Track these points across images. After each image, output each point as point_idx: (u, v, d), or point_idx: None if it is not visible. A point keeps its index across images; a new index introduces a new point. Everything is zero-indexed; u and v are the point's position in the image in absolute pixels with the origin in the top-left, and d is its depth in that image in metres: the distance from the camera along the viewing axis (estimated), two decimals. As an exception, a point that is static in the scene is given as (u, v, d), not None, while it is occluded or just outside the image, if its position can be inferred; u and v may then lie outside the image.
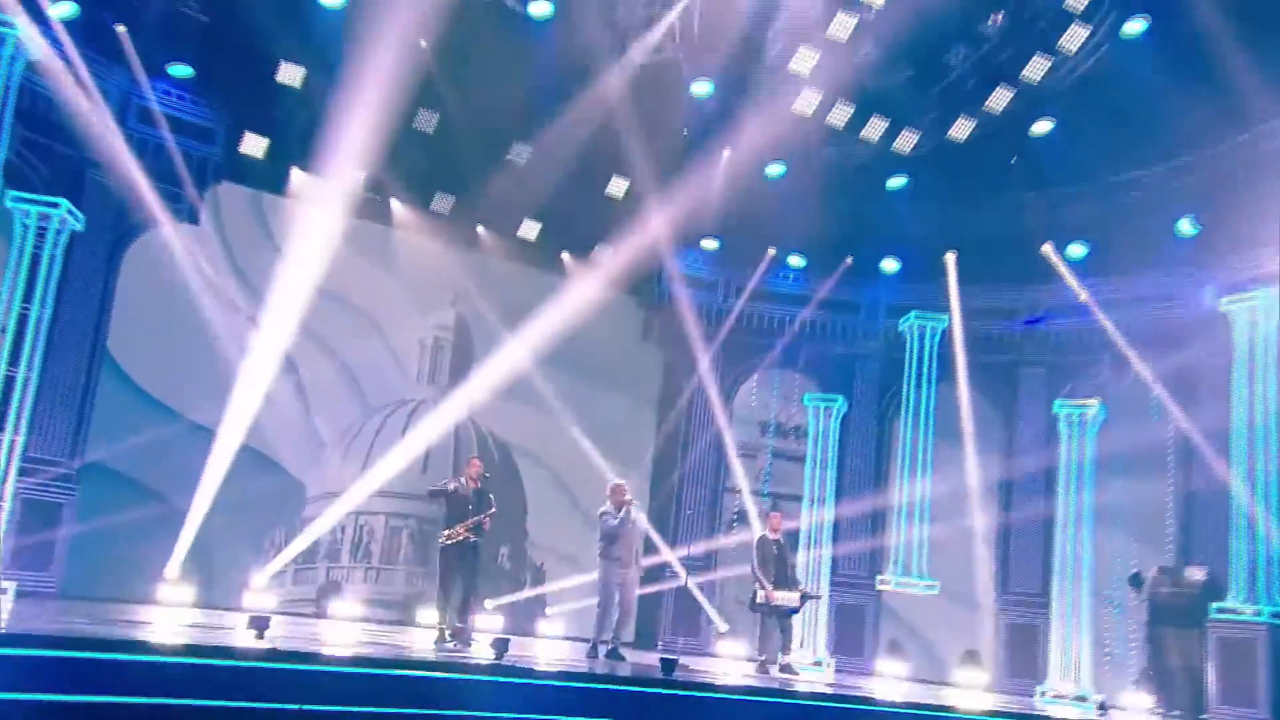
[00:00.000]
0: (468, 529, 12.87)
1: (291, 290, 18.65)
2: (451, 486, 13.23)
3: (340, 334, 19.59)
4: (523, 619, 20.54)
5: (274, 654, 9.13)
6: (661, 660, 11.35)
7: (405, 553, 19.96)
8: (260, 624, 9.73)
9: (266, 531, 19.04)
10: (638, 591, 13.69)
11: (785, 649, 14.41)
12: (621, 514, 13.22)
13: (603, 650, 13.30)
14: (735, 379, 22.04)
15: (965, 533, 20.36)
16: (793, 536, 18.91)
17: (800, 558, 19.17)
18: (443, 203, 20.13)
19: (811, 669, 18.63)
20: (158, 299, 18.01)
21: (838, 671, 19.39)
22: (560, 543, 20.51)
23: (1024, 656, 19.78)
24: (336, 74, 16.96)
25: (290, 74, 17.98)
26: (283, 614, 18.53)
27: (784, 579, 14.51)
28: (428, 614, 19.15)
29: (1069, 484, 18.65)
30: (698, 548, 20.91)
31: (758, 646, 14.75)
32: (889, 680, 19.46)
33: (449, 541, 12.87)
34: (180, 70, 17.80)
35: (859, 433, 21.23)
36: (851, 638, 20.50)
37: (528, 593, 20.68)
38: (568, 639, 19.50)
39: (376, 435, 20.01)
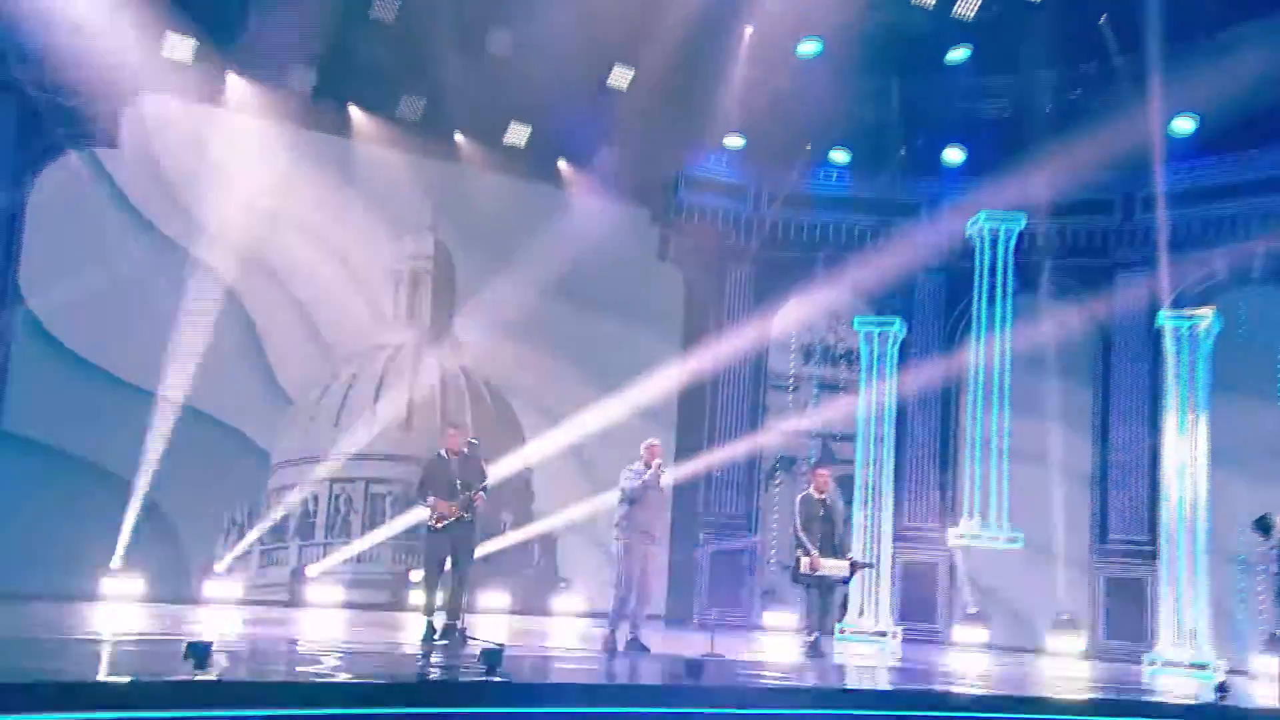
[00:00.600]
0: (462, 508, 11.27)
1: (236, 221, 15.80)
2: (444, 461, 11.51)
3: (298, 271, 16.63)
4: (535, 595, 17.82)
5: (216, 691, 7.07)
6: (687, 664, 8.93)
7: (389, 518, 17.25)
8: (200, 652, 7.24)
9: (226, 508, 16.33)
10: (659, 568, 12.21)
11: (825, 626, 12.66)
12: (648, 474, 11.24)
13: (622, 641, 11.34)
14: (772, 301, 18.90)
15: (1055, 474, 17.36)
16: (845, 485, 16.00)
17: (856, 516, 16.15)
18: (411, 107, 16.95)
19: (873, 640, 16.11)
20: (76, 239, 15.20)
21: (906, 642, 16.68)
22: (572, 505, 17.59)
23: (1128, 618, 16.81)
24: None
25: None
26: (252, 603, 16.14)
27: (831, 545, 12.62)
28: (418, 594, 16.67)
29: (1178, 412, 15.46)
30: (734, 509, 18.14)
31: (804, 621, 12.75)
32: (967, 653, 16.66)
33: (438, 526, 11.28)
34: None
35: (922, 359, 18.02)
36: (921, 602, 17.61)
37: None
38: (589, 615, 16.82)
39: (349, 389, 17.15)
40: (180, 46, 15.44)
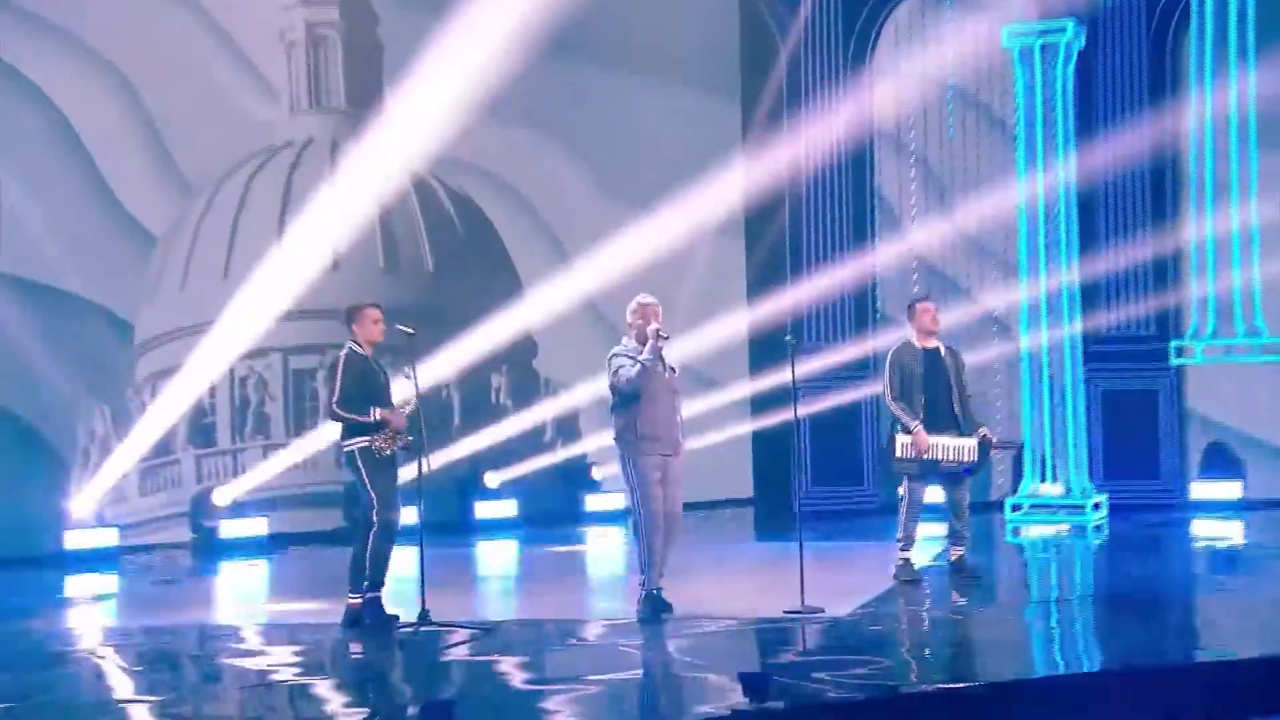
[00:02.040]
0: (396, 435, 7.70)
1: None
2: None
3: (136, 48, 11.10)
4: (553, 493, 12.53)
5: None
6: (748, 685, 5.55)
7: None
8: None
9: (80, 417, 11.12)
10: (677, 479, 7.78)
11: (957, 537, 8.90)
12: (646, 352, 7.59)
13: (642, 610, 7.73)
14: (870, 19, 12.80)
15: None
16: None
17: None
18: None
19: (1068, 516, 11.30)
20: None
21: (1116, 512, 11.58)
22: (585, 355, 11.89)
23: None
24: None
25: None
26: (137, 551, 11.11)
27: (946, 416, 8.74)
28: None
29: None
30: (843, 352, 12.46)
31: (900, 530, 8.84)
32: (1215, 520, 11.25)
33: (388, 451, 7.71)
34: None
35: (1113, 83, 11.92)
36: (1136, 450, 11.96)
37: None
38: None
39: (239, 214, 11.64)
40: None
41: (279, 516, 11.74)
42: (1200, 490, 11.91)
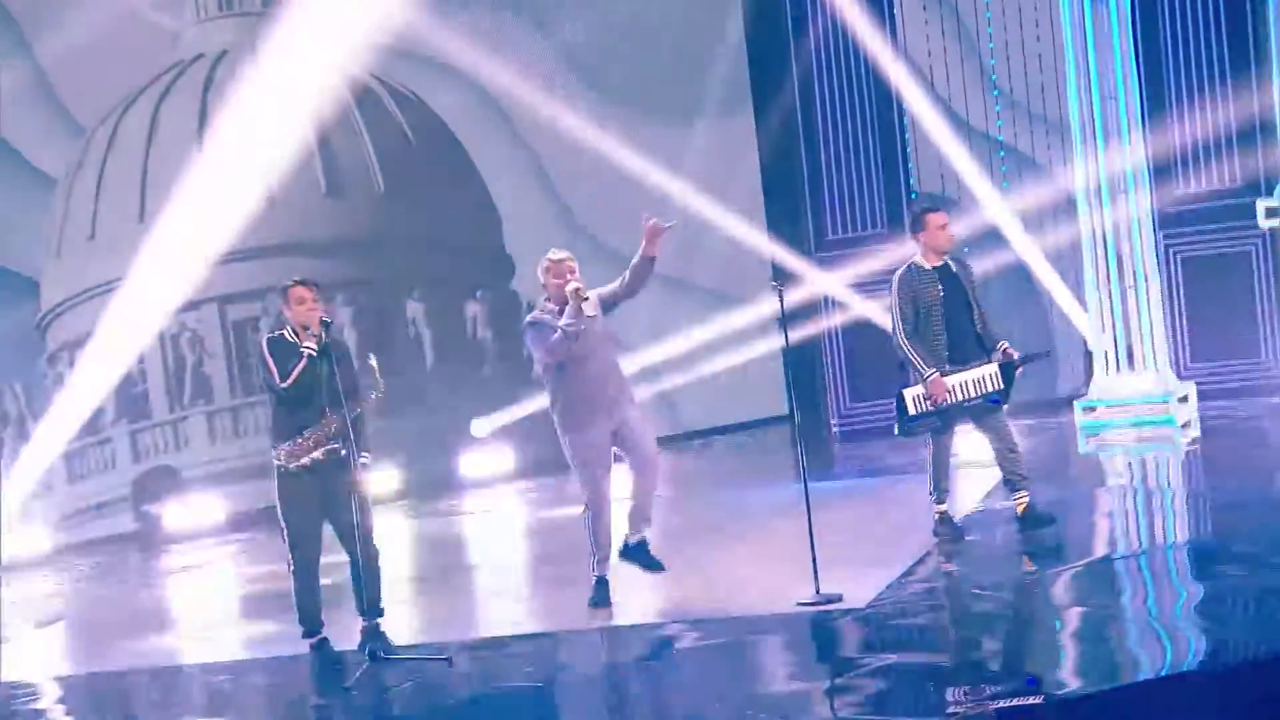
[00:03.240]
0: (326, 438, 6.42)
1: None
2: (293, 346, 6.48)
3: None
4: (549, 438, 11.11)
5: None
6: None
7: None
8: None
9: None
10: (643, 427, 7.08)
11: (1015, 481, 7.57)
12: (568, 315, 6.69)
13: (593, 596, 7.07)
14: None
15: None
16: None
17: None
18: None
19: (1149, 421, 9.87)
20: None
21: (1209, 402, 10.17)
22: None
23: None
24: None
25: None
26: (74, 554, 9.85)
27: (969, 343, 7.58)
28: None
29: None
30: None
31: (929, 484, 7.75)
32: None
33: (292, 464, 6.44)
34: None
35: None
36: (1222, 328, 10.42)
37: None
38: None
39: (149, 147, 10.06)
40: None
41: (239, 492, 10.34)
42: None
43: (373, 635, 6.34)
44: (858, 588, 6.48)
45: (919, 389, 7.41)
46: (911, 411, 7.49)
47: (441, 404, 10.91)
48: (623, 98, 11.15)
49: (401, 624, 6.76)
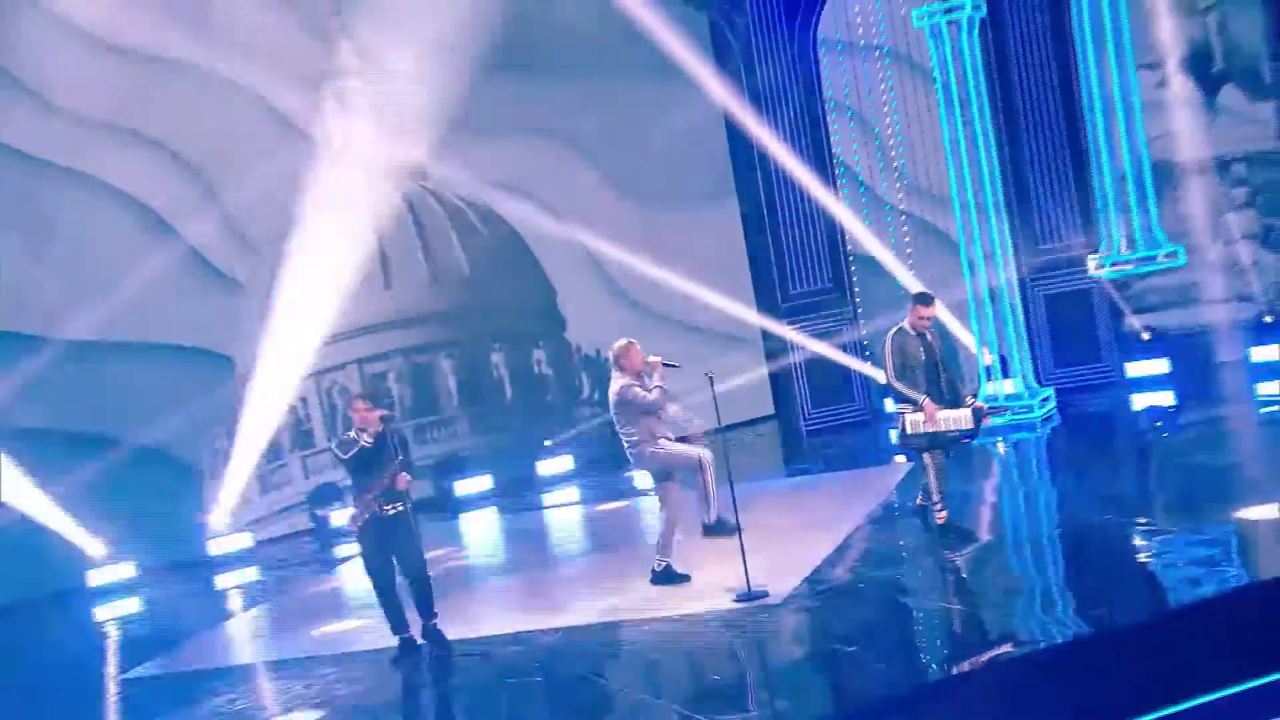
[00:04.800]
0: (375, 500, 8.88)
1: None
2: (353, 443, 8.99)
3: (206, 148, 13.90)
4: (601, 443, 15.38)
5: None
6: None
7: (401, 401, 14.80)
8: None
9: (204, 436, 14.05)
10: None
11: (937, 499, 9.89)
12: (656, 381, 9.53)
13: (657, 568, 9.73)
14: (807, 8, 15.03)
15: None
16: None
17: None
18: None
19: (1020, 416, 13.65)
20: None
21: (1065, 398, 14.18)
22: (608, 326, 14.63)
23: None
24: None
25: None
26: (272, 543, 14.13)
27: (933, 394, 9.79)
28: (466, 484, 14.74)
29: None
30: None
31: (932, 496, 9.95)
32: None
33: (360, 521, 8.97)
34: None
35: (1023, 47, 14.34)
36: (1073, 343, 14.63)
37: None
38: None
39: (304, 253, 14.33)
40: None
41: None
42: (1134, 369, 14.46)
43: (429, 631, 9.02)
44: (781, 583, 8.92)
45: (918, 415, 9.56)
46: (909, 431, 9.65)
47: (519, 425, 15.19)
48: (646, 198, 15.51)
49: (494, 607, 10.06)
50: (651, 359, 9.42)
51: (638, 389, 9.35)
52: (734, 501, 9.13)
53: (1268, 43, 13.86)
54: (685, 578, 9.60)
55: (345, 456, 8.88)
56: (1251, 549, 7.90)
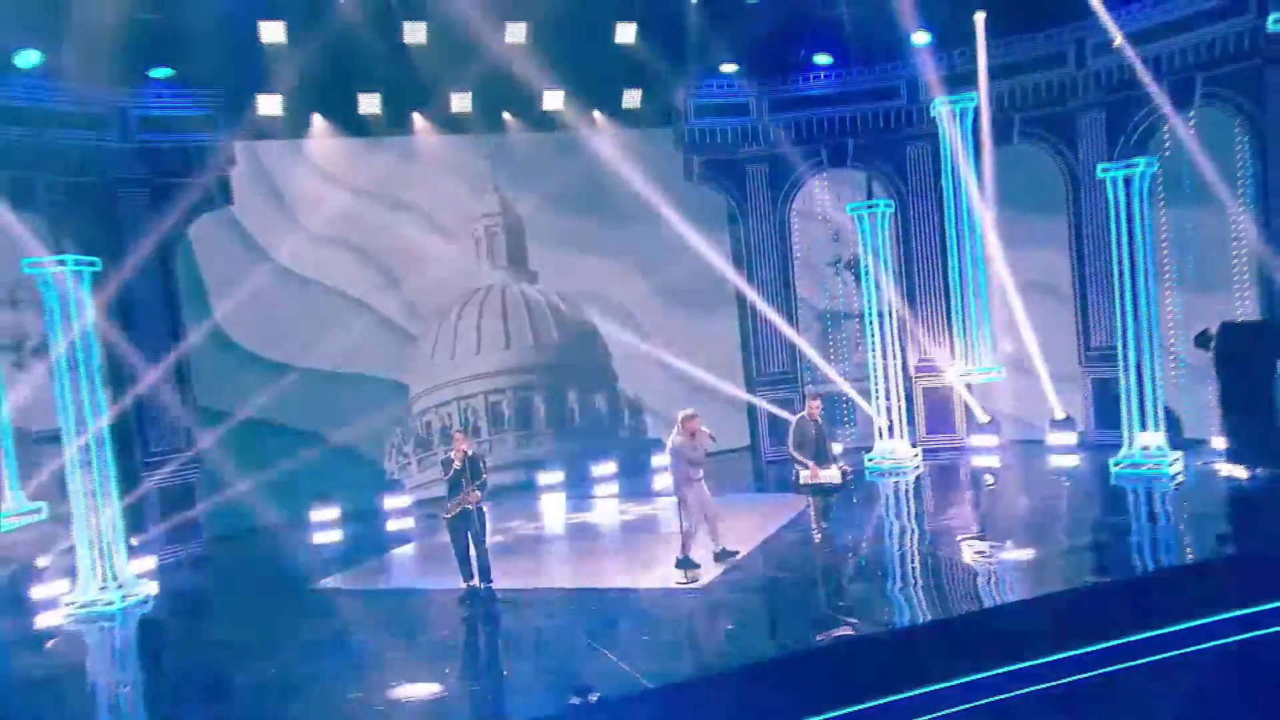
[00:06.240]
0: (460, 504, 14.63)
1: (338, 221, 21.57)
2: (451, 462, 14.72)
3: (401, 254, 22.24)
4: (638, 467, 23.50)
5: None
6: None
7: (510, 419, 23.23)
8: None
9: (387, 435, 22.56)
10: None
11: (815, 525, 15.49)
12: (697, 441, 14.20)
13: (679, 562, 14.45)
14: (786, 192, 23.64)
15: (1048, 298, 21.80)
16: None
17: (874, 360, 21.20)
18: (460, 102, 21.73)
19: (899, 466, 20.87)
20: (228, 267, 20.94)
21: (932, 451, 21.97)
22: (648, 381, 23.66)
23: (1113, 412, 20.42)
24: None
25: (273, 32, 19.74)
26: (420, 503, 22.38)
27: (824, 458, 15.34)
28: (546, 475, 22.83)
29: (1125, 245, 18.69)
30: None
31: (815, 522, 15.48)
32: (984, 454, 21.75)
33: (451, 515, 14.77)
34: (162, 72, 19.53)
35: (924, 227, 22.71)
36: (943, 419, 22.67)
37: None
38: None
39: (458, 322, 22.98)
40: (270, 103, 20.56)
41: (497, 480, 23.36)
42: (977, 440, 22.54)
43: (484, 591, 14.39)
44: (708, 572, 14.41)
45: (807, 472, 14.85)
46: (800, 482, 15.07)
47: (581, 441, 23.61)
48: (678, 304, 23.88)
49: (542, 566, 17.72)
50: (703, 429, 14.14)
51: (688, 448, 13.94)
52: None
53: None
54: (697, 565, 14.24)
55: (445, 476, 14.64)
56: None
